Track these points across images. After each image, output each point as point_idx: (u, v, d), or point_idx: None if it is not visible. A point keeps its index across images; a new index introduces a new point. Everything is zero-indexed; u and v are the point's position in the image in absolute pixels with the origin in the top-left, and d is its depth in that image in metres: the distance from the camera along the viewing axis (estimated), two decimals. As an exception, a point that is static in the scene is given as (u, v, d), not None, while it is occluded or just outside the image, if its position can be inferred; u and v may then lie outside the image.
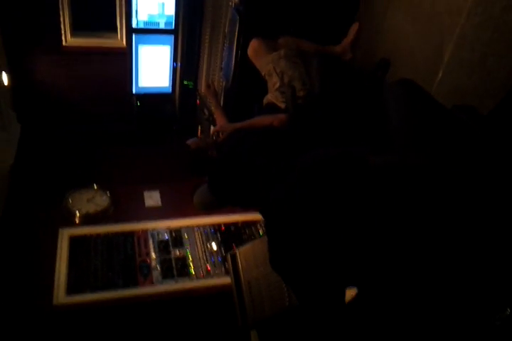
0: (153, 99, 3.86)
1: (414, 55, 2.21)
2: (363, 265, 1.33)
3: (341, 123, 2.32)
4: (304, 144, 2.23)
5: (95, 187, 3.37)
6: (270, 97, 2.55)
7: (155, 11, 3.60)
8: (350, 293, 1.64)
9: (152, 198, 3.39)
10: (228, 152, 2.25)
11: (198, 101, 3.58)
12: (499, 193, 1.21)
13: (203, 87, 3.39)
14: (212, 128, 3.12)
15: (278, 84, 2.48)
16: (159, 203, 3.37)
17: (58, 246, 2.89)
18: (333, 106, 2.41)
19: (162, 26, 3.65)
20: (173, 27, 3.64)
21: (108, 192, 3.34)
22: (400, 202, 1.27)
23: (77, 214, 3.17)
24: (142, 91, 3.82)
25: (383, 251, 1.27)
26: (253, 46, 2.61)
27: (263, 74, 2.59)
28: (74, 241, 2.97)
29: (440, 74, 2.01)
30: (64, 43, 3.70)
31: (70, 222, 3.11)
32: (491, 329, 1.16)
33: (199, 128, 3.62)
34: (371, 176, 1.32)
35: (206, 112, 3.31)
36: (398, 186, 1.27)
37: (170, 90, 3.85)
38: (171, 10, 3.59)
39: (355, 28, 2.68)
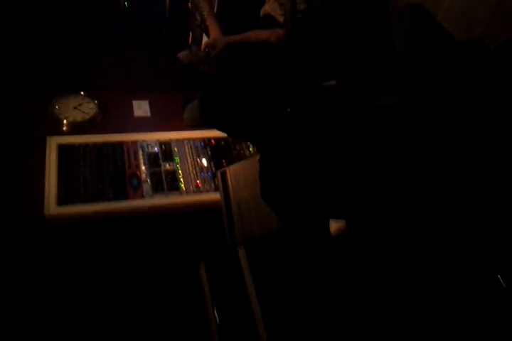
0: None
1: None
2: (353, 201, 1.37)
3: (343, 41, 2.22)
4: (301, 63, 2.17)
5: (82, 93, 3.30)
6: (268, 8, 2.41)
7: None
8: (337, 225, 1.71)
9: (141, 108, 3.34)
10: (222, 67, 2.18)
11: (189, 4, 3.37)
12: (501, 144, 1.21)
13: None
14: (204, 37, 2.97)
15: (277, -5, 2.33)
16: (148, 113, 3.33)
17: (47, 154, 2.89)
18: (335, 23, 2.28)
19: None
20: None
21: (95, 100, 3.28)
22: (396, 144, 1.27)
23: (65, 122, 3.13)
24: (130, -10, 3.59)
25: (375, 189, 1.30)
26: None
27: (262, -19, 2.42)
28: (62, 149, 2.98)
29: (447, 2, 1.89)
30: None
31: (57, 130, 3.09)
32: (481, 294, 1.23)
33: (190, 34, 3.45)
34: (373, 118, 1.30)
35: (198, 17, 3.13)
36: (398, 130, 1.26)
37: (160, -11, 3.61)
38: None
39: None
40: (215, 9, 2.77)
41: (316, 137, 1.36)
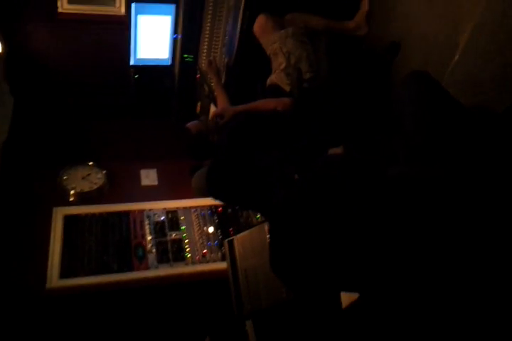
0: (151, 71, 3.76)
1: (427, 40, 2.13)
2: (366, 273, 1.32)
3: (348, 110, 2.27)
4: (308, 132, 2.19)
5: (90, 164, 3.35)
6: (275, 78, 2.48)
7: (156, -23, 3.47)
8: (349, 298, 1.64)
9: (149, 177, 3.38)
10: (230, 136, 2.20)
11: (198, 76, 3.50)
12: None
13: (203, 62, 3.30)
14: (212, 107, 3.05)
15: (284, 65, 2.41)
16: (156, 182, 3.35)
17: (52, 225, 2.89)
18: (340, 92, 2.35)
19: (163, -5, 3.52)
20: (175, -4, 3.51)
21: (103, 170, 3.32)
22: (410, 214, 1.25)
23: (72, 193, 3.16)
24: (140, 63, 3.73)
25: (388, 261, 1.26)
26: (260, 22, 2.53)
27: (268, 53, 2.52)
28: (68, 220, 2.98)
29: (453, 63, 1.94)
30: (60, 10, 3.58)
31: (64, 200, 3.11)
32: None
33: (198, 104, 3.55)
34: (386, 188, 1.30)
35: (206, 88, 3.23)
36: (411, 199, 1.25)
37: (169, 62, 3.75)
38: (172, -23, 3.46)
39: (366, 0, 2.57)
40: (223, 80, 2.87)
41: (326, 207, 1.35)
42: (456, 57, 1.95)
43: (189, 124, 2.46)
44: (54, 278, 2.62)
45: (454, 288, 1.21)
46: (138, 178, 3.35)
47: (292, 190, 1.48)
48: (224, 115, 2.31)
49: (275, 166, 1.65)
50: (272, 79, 2.48)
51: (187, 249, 2.93)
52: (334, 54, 2.44)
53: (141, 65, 3.75)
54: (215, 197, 1.91)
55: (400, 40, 2.33)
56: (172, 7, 3.52)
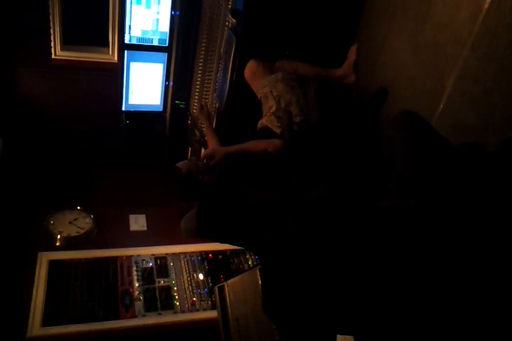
0: (143, 117, 3.85)
1: (414, 86, 2.22)
2: (361, 315, 1.31)
3: (337, 152, 2.32)
4: (299, 173, 2.23)
5: (78, 208, 3.34)
6: (265, 121, 2.54)
7: (149, 27, 3.61)
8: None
9: (138, 222, 3.36)
10: (220, 177, 2.23)
11: (189, 121, 3.58)
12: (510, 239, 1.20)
13: (195, 108, 3.38)
14: (203, 150, 3.10)
15: (274, 108, 2.48)
16: (145, 227, 3.34)
17: (36, 271, 2.83)
18: (329, 135, 2.41)
19: (155, 43, 3.65)
20: (167, 44, 3.65)
21: (91, 215, 3.31)
22: (406, 250, 1.26)
23: (58, 237, 3.12)
24: (132, 109, 3.81)
25: (386, 302, 1.26)
26: (250, 67, 2.62)
27: (259, 96, 2.59)
28: (53, 266, 2.92)
29: (441, 107, 2.02)
30: (53, 56, 3.70)
31: (50, 244, 3.07)
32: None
33: (189, 149, 3.60)
34: (379, 222, 1.31)
35: (197, 133, 3.30)
36: (405, 232, 1.26)
37: (161, 108, 3.84)
38: (165, 27, 3.60)
39: (354, 49, 2.69)
40: (214, 125, 2.94)
41: (317, 243, 1.35)
42: (443, 102, 2.03)
43: (179, 164, 2.49)
44: (36, 326, 2.54)
45: (453, 330, 1.20)
46: (127, 223, 3.33)
47: (282, 227, 1.48)
48: (214, 156, 2.35)
49: (265, 203, 1.66)
50: (263, 122, 2.54)
51: (176, 297, 2.87)
52: (324, 99, 2.52)
53: (133, 111, 3.83)
54: (205, 236, 1.90)
55: (387, 87, 2.42)
56: (164, 55, 3.65)
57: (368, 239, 1.30)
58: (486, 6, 1.82)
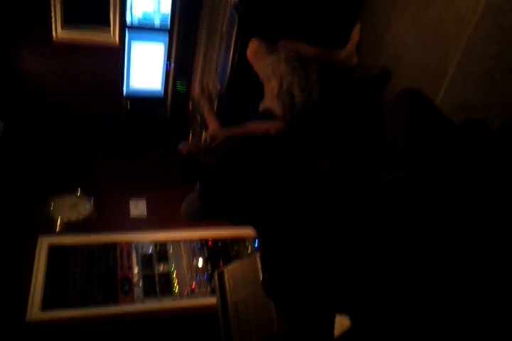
0: (144, 102, 3.86)
1: (417, 67, 2.21)
2: (360, 292, 1.32)
3: (339, 135, 2.32)
4: (300, 154, 2.23)
5: (79, 193, 3.37)
6: (267, 103, 2.54)
7: (150, 7, 3.61)
8: (342, 324, 1.63)
9: (138, 207, 3.39)
10: (221, 159, 2.24)
11: (190, 106, 3.58)
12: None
13: (196, 91, 3.39)
14: (204, 133, 3.11)
15: (276, 90, 2.47)
16: (145, 213, 3.36)
17: (36, 255, 2.88)
18: (331, 118, 2.41)
19: (157, 23, 3.65)
20: (169, 25, 3.64)
21: (92, 199, 3.34)
22: (410, 223, 1.26)
23: (58, 222, 3.16)
24: (133, 94, 3.83)
25: (387, 281, 1.26)
26: (253, 47, 2.61)
27: (261, 77, 2.59)
28: (53, 250, 2.97)
29: (444, 87, 2.01)
30: (54, 36, 3.71)
31: (50, 229, 3.11)
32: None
33: (190, 134, 3.61)
34: (382, 193, 1.31)
35: (198, 118, 3.30)
36: (408, 204, 1.27)
37: (162, 94, 3.85)
38: (167, 7, 3.60)
39: (357, 29, 2.67)
40: (215, 107, 2.94)
41: (320, 217, 1.36)
42: (446, 83, 2.02)
43: (180, 145, 2.50)
44: (35, 310, 2.59)
45: (455, 309, 1.20)
46: (127, 208, 3.36)
47: (286, 203, 1.49)
48: (215, 137, 2.35)
49: (269, 183, 1.67)
50: (264, 103, 2.54)
51: (175, 283, 2.91)
52: (326, 81, 2.51)
53: (134, 95, 3.84)
54: (207, 216, 1.92)
55: (390, 68, 2.41)
56: (165, 36, 3.64)
57: (372, 212, 1.31)
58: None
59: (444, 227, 1.22)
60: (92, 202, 3.34)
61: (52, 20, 3.67)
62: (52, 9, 3.64)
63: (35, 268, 2.81)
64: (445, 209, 1.24)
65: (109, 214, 3.30)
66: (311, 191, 1.47)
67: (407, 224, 1.25)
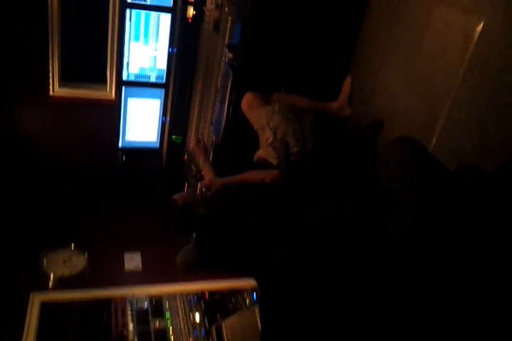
0: (139, 153, 3.92)
1: (409, 116, 2.28)
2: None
3: (334, 182, 2.35)
4: (297, 202, 2.25)
5: (72, 247, 3.36)
6: (262, 153, 2.59)
7: (146, 64, 3.74)
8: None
9: (133, 261, 3.37)
10: (218, 208, 2.25)
11: (185, 157, 3.64)
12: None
13: (191, 143, 3.45)
14: (199, 183, 3.15)
15: (271, 139, 2.53)
16: (140, 266, 3.34)
17: (28, 312, 2.83)
18: (325, 165, 2.45)
19: (153, 80, 3.77)
20: (165, 81, 3.77)
21: (86, 253, 3.32)
22: (417, 271, 1.27)
23: (51, 277, 3.12)
24: (129, 146, 3.89)
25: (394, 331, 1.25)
26: (247, 99, 2.69)
27: (256, 128, 2.66)
28: (45, 307, 2.91)
29: (436, 136, 2.07)
30: (51, 93, 3.81)
31: (42, 285, 3.06)
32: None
33: (186, 185, 3.65)
34: (389, 243, 1.32)
35: (194, 168, 3.35)
36: (415, 253, 1.28)
37: (157, 145, 3.93)
38: (162, 64, 3.74)
39: (348, 82, 2.78)
40: (211, 158, 2.99)
41: (326, 266, 1.36)
42: (438, 131, 2.09)
43: (175, 196, 2.51)
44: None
45: None
46: (121, 262, 3.34)
47: (287, 249, 1.49)
48: (211, 187, 2.37)
49: (269, 229, 1.68)
50: (260, 153, 2.59)
51: (172, 340, 2.85)
52: (320, 131, 2.58)
53: (130, 148, 3.90)
54: (205, 267, 1.91)
55: (382, 118, 2.49)
56: (161, 91, 3.76)
57: (378, 259, 1.31)
58: (476, 35, 1.91)
59: (449, 278, 1.24)
60: (85, 256, 3.31)
61: (50, 77, 3.79)
62: (50, 68, 3.77)
63: (26, 326, 2.75)
64: (448, 258, 1.25)
65: (103, 269, 3.27)
66: (312, 235, 1.47)
67: (413, 272, 1.26)
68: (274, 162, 2.47)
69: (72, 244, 3.36)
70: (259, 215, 1.95)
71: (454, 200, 1.46)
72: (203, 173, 2.91)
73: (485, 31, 1.87)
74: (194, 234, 2.32)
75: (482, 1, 1.88)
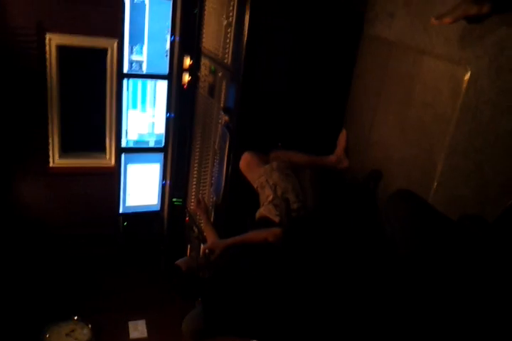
0: (140, 217, 3.90)
1: (406, 165, 2.29)
2: None
3: (337, 237, 2.32)
4: (301, 260, 2.22)
5: (75, 318, 3.27)
6: (263, 211, 2.58)
7: (145, 130, 3.81)
8: None
9: (137, 329, 3.28)
10: (222, 272, 2.21)
11: (187, 218, 3.62)
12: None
13: (192, 204, 3.45)
14: (202, 246, 3.10)
15: (271, 197, 2.52)
16: (145, 334, 3.25)
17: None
18: (327, 220, 2.44)
19: (152, 145, 3.83)
20: (163, 145, 3.82)
21: (89, 324, 3.23)
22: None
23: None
24: (130, 211, 3.88)
25: None
26: (245, 159, 2.72)
27: (255, 186, 2.66)
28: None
29: (435, 184, 2.07)
30: (51, 164, 3.85)
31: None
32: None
33: (188, 247, 3.60)
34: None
35: (196, 230, 3.32)
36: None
37: (158, 208, 3.91)
38: (161, 128, 3.80)
39: (343, 135, 2.82)
40: (212, 219, 2.97)
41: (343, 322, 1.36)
42: (436, 179, 2.09)
43: (178, 261, 2.46)
44: None
45: None
46: (126, 331, 3.24)
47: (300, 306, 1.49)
48: (214, 249, 2.34)
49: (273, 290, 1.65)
50: (261, 211, 2.57)
51: None
52: (319, 184, 2.58)
53: (130, 213, 3.89)
54: (213, 334, 1.86)
55: (380, 168, 2.50)
56: (160, 156, 3.80)
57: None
58: (464, 85, 1.96)
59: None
60: (89, 327, 3.23)
61: (50, 149, 3.84)
62: (50, 141, 3.83)
63: None
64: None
65: (107, 339, 3.17)
66: (326, 292, 1.48)
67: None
68: (276, 219, 2.45)
69: (75, 317, 3.27)
70: (264, 274, 1.92)
71: (457, 251, 1.45)
72: (204, 235, 2.88)
73: (473, 80, 1.92)
74: (199, 299, 2.26)
75: (467, 52, 1.96)
